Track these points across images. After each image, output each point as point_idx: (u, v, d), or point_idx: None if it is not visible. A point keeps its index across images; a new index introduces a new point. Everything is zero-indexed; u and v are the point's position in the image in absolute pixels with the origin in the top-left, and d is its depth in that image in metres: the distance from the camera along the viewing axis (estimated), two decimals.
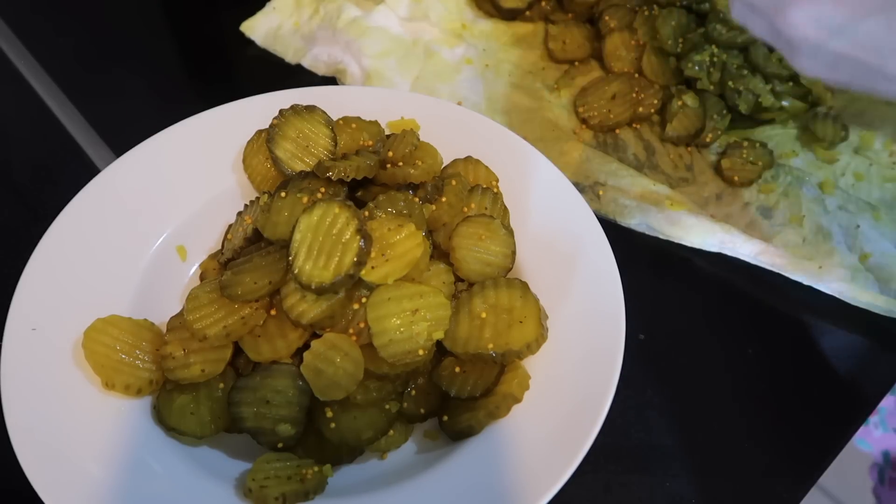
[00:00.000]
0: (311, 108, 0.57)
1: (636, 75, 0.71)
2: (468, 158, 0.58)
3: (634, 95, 0.69)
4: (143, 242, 0.55)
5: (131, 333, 0.49)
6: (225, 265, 0.53)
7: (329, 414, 0.48)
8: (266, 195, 0.53)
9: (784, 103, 0.68)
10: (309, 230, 0.48)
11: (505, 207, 0.56)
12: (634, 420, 0.54)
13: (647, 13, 0.73)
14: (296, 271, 0.47)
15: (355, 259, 0.47)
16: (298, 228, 0.48)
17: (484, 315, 0.49)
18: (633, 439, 0.53)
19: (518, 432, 0.47)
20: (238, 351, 0.50)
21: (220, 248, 0.56)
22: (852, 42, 0.48)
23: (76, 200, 0.54)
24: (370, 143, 0.58)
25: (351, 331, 0.49)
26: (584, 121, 0.69)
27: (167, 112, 0.60)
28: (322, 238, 0.48)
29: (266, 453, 0.47)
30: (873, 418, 1.01)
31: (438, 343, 0.49)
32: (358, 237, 0.47)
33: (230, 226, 0.57)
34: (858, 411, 0.55)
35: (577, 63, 0.74)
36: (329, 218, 0.48)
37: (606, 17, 0.74)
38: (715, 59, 0.69)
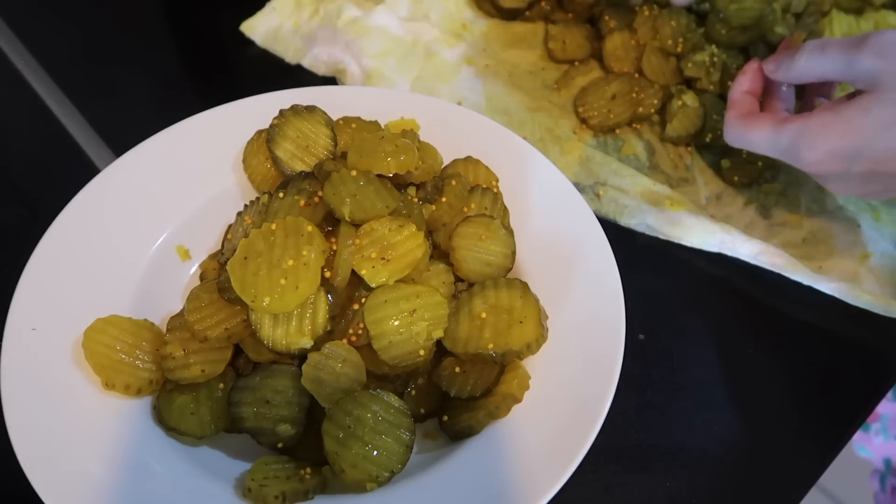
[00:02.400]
0: (311, 108, 0.57)
1: (636, 75, 0.71)
2: (468, 158, 0.58)
3: (634, 95, 0.69)
4: (144, 242, 0.55)
5: (131, 333, 0.49)
6: (225, 265, 0.53)
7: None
8: (266, 195, 0.53)
9: None
10: None
11: (505, 207, 0.56)
12: (634, 420, 0.54)
13: (647, 13, 0.73)
14: (268, 344, 0.46)
15: (328, 315, 0.46)
16: None
17: (484, 315, 0.49)
18: (633, 439, 0.53)
19: (518, 432, 0.47)
20: (238, 351, 0.50)
21: (220, 248, 0.56)
22: (873, 160, 0.50)
23: (76, 200, 0.54)
24: None
25: (351, 331, 0.49)
26: (584, 121, 0.69)
27: (167, 112, 0.60)
28: None
29: (266, 455, 0.47)
30: (874, 425, 1.01)
31: (438, 343, 0.49)
32: (323, 292, 0.46)
33: (230, 226, 0.57)
34: (858, 411, 0.55)
35: (577, 63, 0.74)
36: None
37: (606, 17, 0.74)
38: (715, 59, 0.69)
